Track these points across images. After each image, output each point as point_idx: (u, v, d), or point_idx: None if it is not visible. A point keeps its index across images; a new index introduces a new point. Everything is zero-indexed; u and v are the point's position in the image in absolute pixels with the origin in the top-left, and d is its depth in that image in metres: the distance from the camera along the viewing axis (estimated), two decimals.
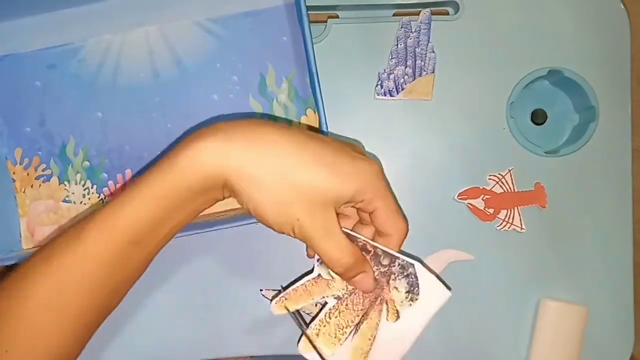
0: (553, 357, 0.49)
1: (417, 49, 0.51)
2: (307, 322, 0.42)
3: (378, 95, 0.51)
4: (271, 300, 0.42)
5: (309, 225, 0.34)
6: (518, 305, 0.50)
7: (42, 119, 0.50)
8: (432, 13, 0.51)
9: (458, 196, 0.50)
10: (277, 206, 0.34)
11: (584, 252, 0.51)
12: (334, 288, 0.41)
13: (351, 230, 0.40)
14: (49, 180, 0.51)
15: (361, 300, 0.41)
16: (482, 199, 0.50)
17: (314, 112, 0.49)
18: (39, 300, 0.34)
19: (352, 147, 0.37)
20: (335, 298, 0.41)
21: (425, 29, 0.50)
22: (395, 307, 0.41)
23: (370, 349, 0.41)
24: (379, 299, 0.41)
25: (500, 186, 0.50)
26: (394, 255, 0.40)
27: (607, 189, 0.51)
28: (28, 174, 0.51)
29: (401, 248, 0.40)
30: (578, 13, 0.51)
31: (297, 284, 0.41)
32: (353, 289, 0.41)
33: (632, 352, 0.51)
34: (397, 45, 0.51)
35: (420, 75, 0.51)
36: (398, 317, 0.41)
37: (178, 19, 0.50)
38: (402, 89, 0.51)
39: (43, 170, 0.51)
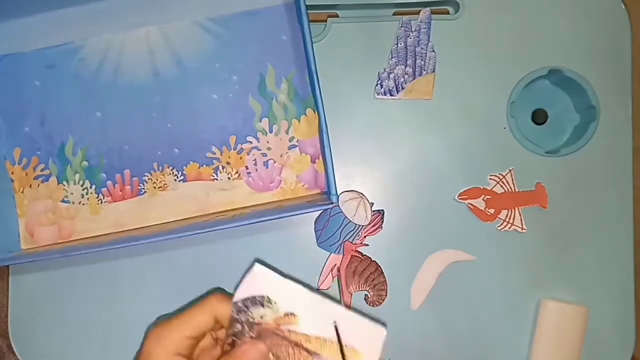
0: (553, 357, 0.49)
1: (417, 48, 0.50)
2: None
3: (378, 94, 0.51)
4: None
5: None
6: (519, 305, 0.50)
7: (41, 118, 0.50)
8: (433, 12, 0.50)
9: (458, 196, 0.50)
10: None
11: (584, 252, 0.51)
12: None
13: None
14: (47, 180, 0.50)
15: (282, 347, 0.38)
16: (483, 199, 0.50)
17: (314, 111, 0.49)
18: None
19: None
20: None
21: (425, 28, 0.50)
22: (281, 317, 0.38)
23: (324, 338, 0.38)
24: (275, 331, 0.38)
25: (501, 186, 0.50)
26: (231, 319, 0.38)
27: (607, 189, 0.51)
28: (27, 174, 0.51)
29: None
30: (579, 12, 0.51)
31: None
32: (274, 357, 0.38)
33: (633, 352, 0.51)
34: (397, 44, 0.50)
35: (420, 74, 0.50)
36: (292, 314, 0.38)
37: (178, 19, 0.49)
38: (402, 89, 0.51)
39: (42, 170, 0.50)
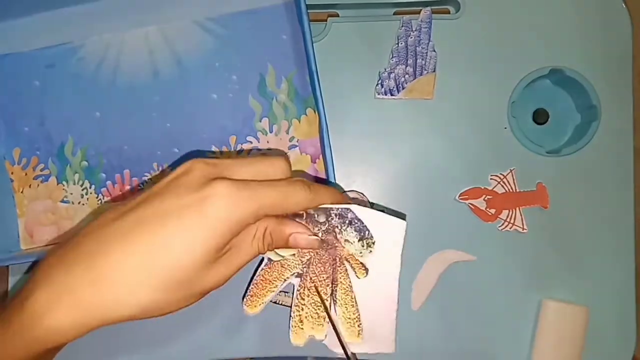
0: (554, 357, 0.49)
1: (417, 48, 0.50)
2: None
3: (378, 94, 0.51)
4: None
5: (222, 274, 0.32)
6: (519, 305, 0.50)
7: (41, 118, 0.50)
8: (433, 11, 0.50)
9: (459, 196, 0.50)
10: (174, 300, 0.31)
11: (585, 252, 0.50)
12: (289, 267, 0.38)
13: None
14: (47, 180, 0.50)
15: (322, 268, 0.37)
16: (484, 199, 0.50)
17: (314, 111, 0.49)
18: None
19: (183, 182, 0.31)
20: (296, 277, 0.38)
21: (426, 27, 0.50)
22: (358, 261, 0.38)
23: (358, 314, 0.38)
24: (338, 259, 0.38)
25: (502, 186, 0.50)
26: (326, 208, 0.37)
27: (609, 189, 0.51)
28: (26, 174, 0.50)
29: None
30: (580, 12, 0.51)
31: (254, 278, 0.40)
32: (308, 259, 0.37)
33: (634, 352, 0.51)
34: (397, 44, 0.50)
35: (421, 74, 0.50)
36: (366, 270, 0.38)
37: (178, 19, 0.49)
38: (403, 88, 0.50)
39: (41, 170, 0.50)
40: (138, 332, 0.50)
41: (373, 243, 0.37)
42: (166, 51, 0.49)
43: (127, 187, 0.50)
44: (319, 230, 0.37)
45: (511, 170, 0.50)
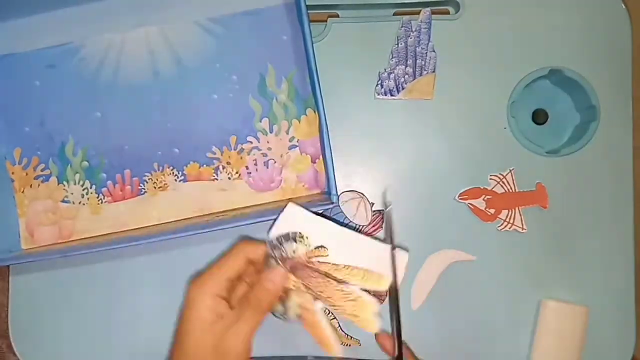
0: (554, 357, 0.49)
1: (417, 48, 0.50)
2: None
3: (378, 94, 0.51)
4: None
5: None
6: (519, 305, 0.50)
7: (42, 118, 0.50)
8: (433, 12, 0.50)
9: (459, 196, 0.50)
10: None
11: (585, 252, 0.51)
12: (308, 304, 0.41)
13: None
14: (47, 180, 0.50)
15: (312, 278, 0.41)
16: (483, 199, 0.50)
17: (314, 111, 0.49)
18: None
19: None
20: (315, 300, 0.42)
21: (425, 28, 0.50)
22: (312, 250, 0.41)
23: (351, 265, 0.41)
24: (306, 263, 0.41)
25: (502, 186, 0.50)
26: (266, 255, 0.41)
27: (608, 189, 0.51)
28: (27, 174, 0.51)
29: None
30: (579, 12, 0.51)
31: None
32: (304, 287, 0.41)
33: (634, 352, 0.51)
34: (397, 44, 0.50)
35: (420, 74, 0.50)
36: (323, 247, 0.42)
37: (178, 19, 0.49)
38: (403, 89, 0.51)
39: (42, 170, 0.50)
40: (138, 331, 0.50)
41: (301, 233, 0.41)
42: (166, 51, 0.50)
43: (128, 187, 0.50)
44: (283, 264, 0.41)
45: (510, 170, 0.50)
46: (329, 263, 0.41)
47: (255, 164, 0.50)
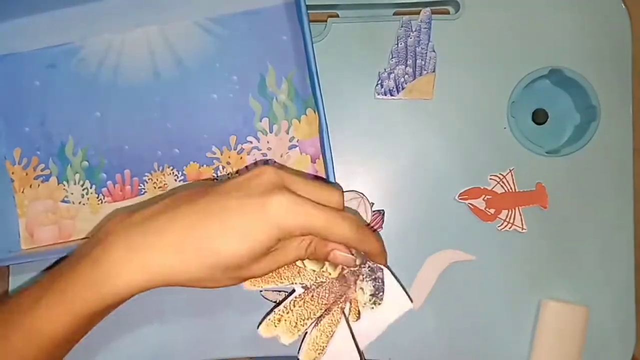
0: (554, 357, 0.49)
1: (417, 48, 0.50)
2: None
3: (378, 94, 0.51)
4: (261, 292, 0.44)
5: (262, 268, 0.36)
6: (519, 305, 0.50)
7: (41, 118, 0.50)
8: (433, 12, 0.50)
9: (459, 196, 0.50)
10: (223, 279, 0.36)
11: (585, 252, 0.51)
12: (303, 276, 0.42)
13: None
14: (47, 180, 0.50)
15: (327, 295, 0.42)
16: (483, 199, 0.50)
17: (314, 111, 0.49)
18: None
19: (238, 187, 0.36)
20: (302, 287, 0.42)
21: (425, 28, 0.50)
22: (358, 307, 0.42)
23: (326, 345, 0.42)
24: (344, 297, 0.42)
25: (501, 186, 0.50)
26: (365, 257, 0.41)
27: (608, 189, 0.51)
28: (27, 174, 0.51)
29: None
30: (579, 12, 0.51)
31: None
32: (321, 281, 0.41)
33: (634, 352, 0.51)
34: (397, 44, 0.50)
35: (420, 74, 0.50)
36: (359, 317, 0.41)
37: (178, 19, 0.49)
38: (403, 89, 0.51)
39: (42, 170, 0.50)
40: (138, 331, 0.50)
41: (379, 304, 0.42)
42: (167, 51, 0.50)
43: (128, 187, 0.50)
44: (347, 268, 0.41)
45: (510, 170, 0.50)
46: (338, 319, 0.42)
47: (255, 164, 0.50)
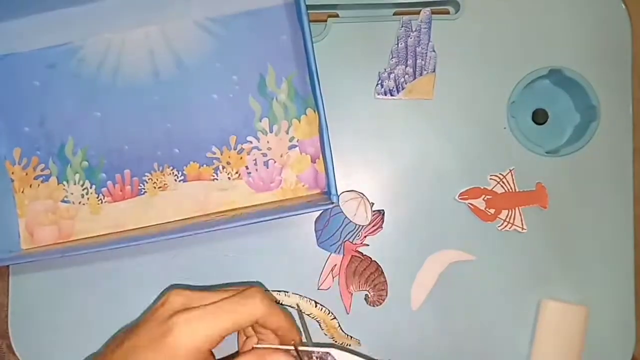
0: (554, 357, 0.49)
1: (417, 48, 0.50)
2: None
3: (378, 94, 0.51)
4: None
5: None
6: (519, 305, 0.50)
7: (41, 118, 0.50)
8: (433, 12, 0.50)
9: (459, 196, 0.50)
10: None
11: (584, 252, 0.51)
12: None
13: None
14: (47, 180, 0.50)
15: None
16: (483, 199, 0.50)
17: (314, 111, 0.49)
18: None
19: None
20: None
21: (425, 28, 0.50)
22: None
23: None
24: None
25: (502, 186, 0.50)
26: (309, 351, 0.40)
27: (608, 189, 0.51)
28: (27, 174, 0.51)
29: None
30: (579, 12, 0.51)
31: None
32: None
33: (634, 352, 0.51)
34: (397, 44, 0.50)
35: (420, 74, 0.50)
36: None
37: (178, 19, 0.49)
38: (403, 89, 0.51)
39: (42, 170, 0.50)
40: None
41: None
42: (166, 51, 0.50)
43: (128, 187, 0.50)
44: None
45: (510, 170, 0.50)
46: None
47: (255, 164, 0.50)
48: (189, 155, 0.50)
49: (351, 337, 0.50)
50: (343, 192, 0.50)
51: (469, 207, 0.50)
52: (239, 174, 0.50)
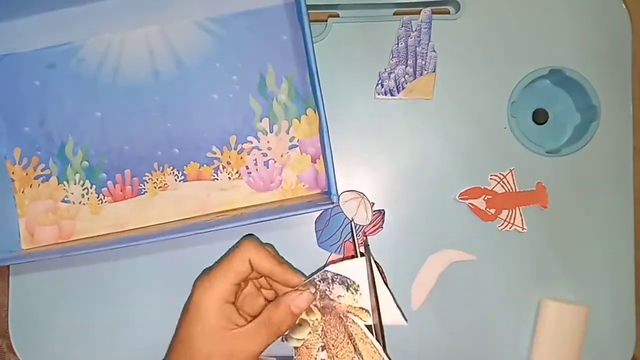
0: (554, 357, 0.49)
1: (417, 48, 0.50)
2: None
3: (378, 94, 0.51)
4: None
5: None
6: (519, 305, 0.50)
7: (42, 118, 0.50)
8: (433, 12, 0.50)
9: (459, 196, 0.50)
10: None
11: (585, 252, 0.51)
12: (312, 345, 0.41)
13: None
14: (47, 180, 0.50)
15: (336, 330, 0.41)
16: (484, 199, 0.50)
17: (314, 111, 0.49)
18: None
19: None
20: (322, 350, 0.41)
21: (426, 27, 0.50)
22: (356, 307, 0.41)
23: (381, 353, 0.40)
24: (343, 315, 0.41)
25: (502, 186, 0.50)
26: (311, 279, 0.41)
27: (608, 189, 0.51)
28: (27, 174, 0.51)
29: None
30: (579, 12, 0.51)
31: None
32: (322, 329, 0.41)
33: (634, 352, 0.51)
34: (397, 44, 0.50)
35: (421, 74, 0.50)
36: (368, 312, 0.41)
37: (178, 19, 0.49)
38: (403, 88, 0.51)
39: (42, 170, 0.50)
40: (138, 331, 0.50)
41: (358, 286, 0.41)
42: (166, 51, 0.50)
43: (128, 187, 0.50)
44: (314, 300, 0.40)
45: (511, 170, 0.50)
46: (361, 329, 0.40)
47: (256, 164, 0.50)
48: (189, 155, 0.50)
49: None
50: (343, 192, 0.50)
51: (469, 207, 0.50)
52: (239, 174, 0.50)
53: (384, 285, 0.41)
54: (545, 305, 0.49)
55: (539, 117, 0.52)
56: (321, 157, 0.49)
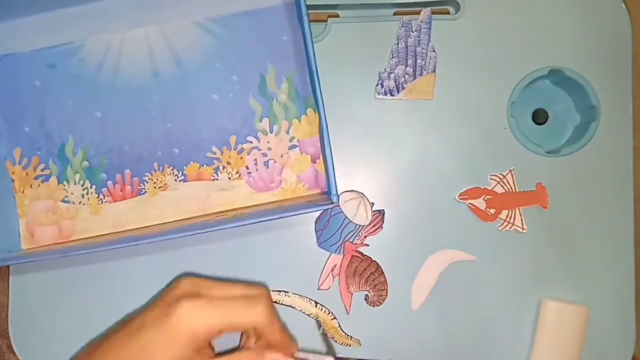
0: (554, 357, 0.49)
1: (417, 48, 0.50)
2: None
3: (378, 94, 0.51)
4: None
5: None
6: (519, 305, 0.50)
7: (42, 118, 0.50)
8: (433, 12, 0.50)
9: (459, 196, 0.50)
10: None
11: (585, 252, 0.51)
12: None
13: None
14: (47, 180, 0.50)
15: None
16: (484, 199, 0.50)
17: (314, 111, 0.49)
18: None
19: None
20: None
21: (425, 28, 0.50)
22: None
23: None
24: None
25: (502, 186, 0.50)
26: (305, 354, 0.40)
27: (608, 189, 0.51)
28: (27, 174, 0.51)
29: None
30: (579, 12, 0.51)
31: None
32: None
33: (634, 352, 0.51)
34: (397, 44, 0.50)
35: (420, 74, 0.50)
36: None
37: (178, 19, 0.49)
38: (403, 89, 0.51)
39: (42, 170, 0.50)
40: None
41: None
42: (166, 51, 0.50)
43: (128, 187, 0.50)
44: None
45: (511, 170, 0.50)
46: None
47: (256, 164, 0.50)
48: (189, 155, 0.50)
49: (351, 337, 0.50)
50: (343, 192, 0.50)
51: (469, 207, 0.50)
52: (239, 174, 0.50)
53: None
54: (545, 305, 0.49)
55: (539, 117, 0.52)
56: (321, 157, 0.49)
